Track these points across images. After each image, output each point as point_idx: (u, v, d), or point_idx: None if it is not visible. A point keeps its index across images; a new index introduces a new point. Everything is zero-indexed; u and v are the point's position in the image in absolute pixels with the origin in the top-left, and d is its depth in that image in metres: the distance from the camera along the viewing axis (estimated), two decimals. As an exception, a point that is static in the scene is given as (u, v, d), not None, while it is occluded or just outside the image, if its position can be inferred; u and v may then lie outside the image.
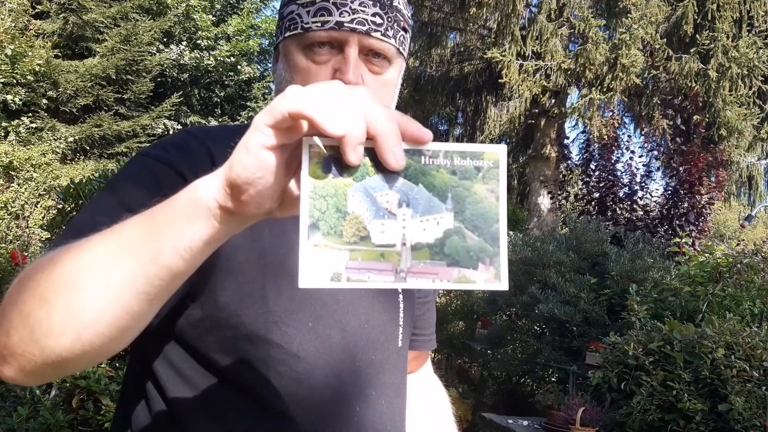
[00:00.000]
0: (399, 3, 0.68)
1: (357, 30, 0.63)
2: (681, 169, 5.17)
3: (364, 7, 0.64)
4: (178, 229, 0.43)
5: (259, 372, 0.61)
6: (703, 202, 5.00)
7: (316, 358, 0.62)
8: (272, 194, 0.42)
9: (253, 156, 0.40)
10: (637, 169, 5.70)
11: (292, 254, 0.62)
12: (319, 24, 0.63)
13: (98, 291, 0.45)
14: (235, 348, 0.61)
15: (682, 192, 5.12)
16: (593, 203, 5.70)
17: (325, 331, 0.64)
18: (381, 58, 0.66)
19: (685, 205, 5.08)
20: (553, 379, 3.81)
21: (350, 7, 0.63)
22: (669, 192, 5.35)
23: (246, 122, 0.76)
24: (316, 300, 0.64)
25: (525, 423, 3.08)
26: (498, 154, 0.42)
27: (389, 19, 0.65)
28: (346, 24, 0.63)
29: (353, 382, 0.65)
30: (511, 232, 5.17)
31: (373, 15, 0.64)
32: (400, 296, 0.73)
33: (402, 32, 0.68)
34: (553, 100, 7.56)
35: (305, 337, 0.62)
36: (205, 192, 0.43)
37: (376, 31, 0.65)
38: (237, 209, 0.42)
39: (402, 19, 0.68)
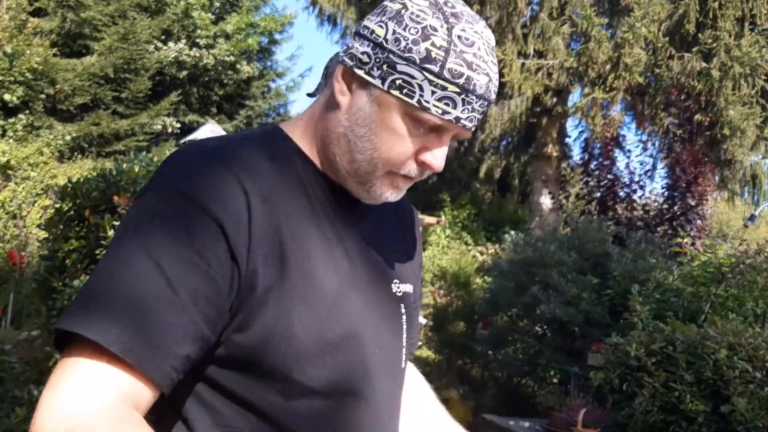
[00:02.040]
0: None
1: (467, 127, 0.63)
2: (677, 168, 5.19)
3: (482, 107, 0.63)
4: None
5: (278, 406, 0.60)
6: (693, 203, 5.02)
7: (333, 392, 0.63)
8: None
9: None
10: (635, 169, 5.71)
11: (321, 293, 0.62)
12: (440, 112, 0.61)
13: None
14: (255, 383, 0.60)
15: (678, 191, 5.13)
16: (594, 203, 5.69)
17: (345, 367, 0.64)
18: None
19: (679, 204, 5.09)
20: (554, 381, 3.79)
21: (473, 106, 0.62)
22: (667, 191, 5.35)
23: (260, 126, 0.73)
24: (339, 336, 0.63)
25: (526, 424, 3.07)
26: None
27: (485, 111, 0.66)
28: (462, 120, 0.62)
29: (369, 411, 0.66)
30: (512, 232, 5.16)
31: (480, 112, 0.64)
32: (404, 317, 0.74)
33: None
34: (554, 99, 7.54)
35: (324, 372, 0.62)
36: None
37: (474, 124, 0.65)
38: None
39: None
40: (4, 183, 6.76)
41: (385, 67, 0.62)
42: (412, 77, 0.61)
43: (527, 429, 3.04)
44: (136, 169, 2.44)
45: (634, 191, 5.63)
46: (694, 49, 6.14)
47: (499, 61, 6.66)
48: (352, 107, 0.64)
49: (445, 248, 7.85)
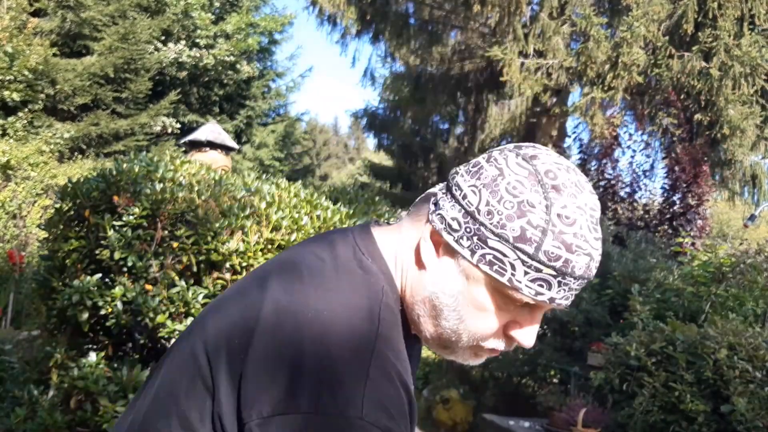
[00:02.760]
0: None
1: (561, 305, 0.59)
2: (676, 168, 5.21)
3: (580, 286, 0.59)
4: None
5: None
6: (693, 203, 5.04)
7: None
8: None
9: None
10: (637, 168, 5.71)
11: None
12: (533, 293, 0.57)
13: None
14: None
15: (679, 191, 5.15)
16: (593, 203, 5.68)
17: None
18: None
19: (679, 204, 5.11)
20: (554, 380, 3.80)
21: (569, 287, 0.58)
22: (666, 191, 5.36)
23: (371, 263, 0.63)
24: None
25: (526, 424, 3.07)
26: None
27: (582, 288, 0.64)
28: (557, 300, 0.58)
29: None
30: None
31: (577, 291, 0.60)
32: None
33: None
34: (554, 99, 7.54)
35: None
36: None
37: (569, 302, 0.60)
38: None
39: None
40: (4, 183, 6.77)
41: (475, 239, 0.58)
42: (504, 255, 0.56)
43: (527, 429, 3.04)
44: (136, 169, 2.44)
45: (635, 191, 5.64)
46: (693, 49, 6.14)
47: (499, 61, 6.67)
48: (438, 273, 0.61)
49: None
